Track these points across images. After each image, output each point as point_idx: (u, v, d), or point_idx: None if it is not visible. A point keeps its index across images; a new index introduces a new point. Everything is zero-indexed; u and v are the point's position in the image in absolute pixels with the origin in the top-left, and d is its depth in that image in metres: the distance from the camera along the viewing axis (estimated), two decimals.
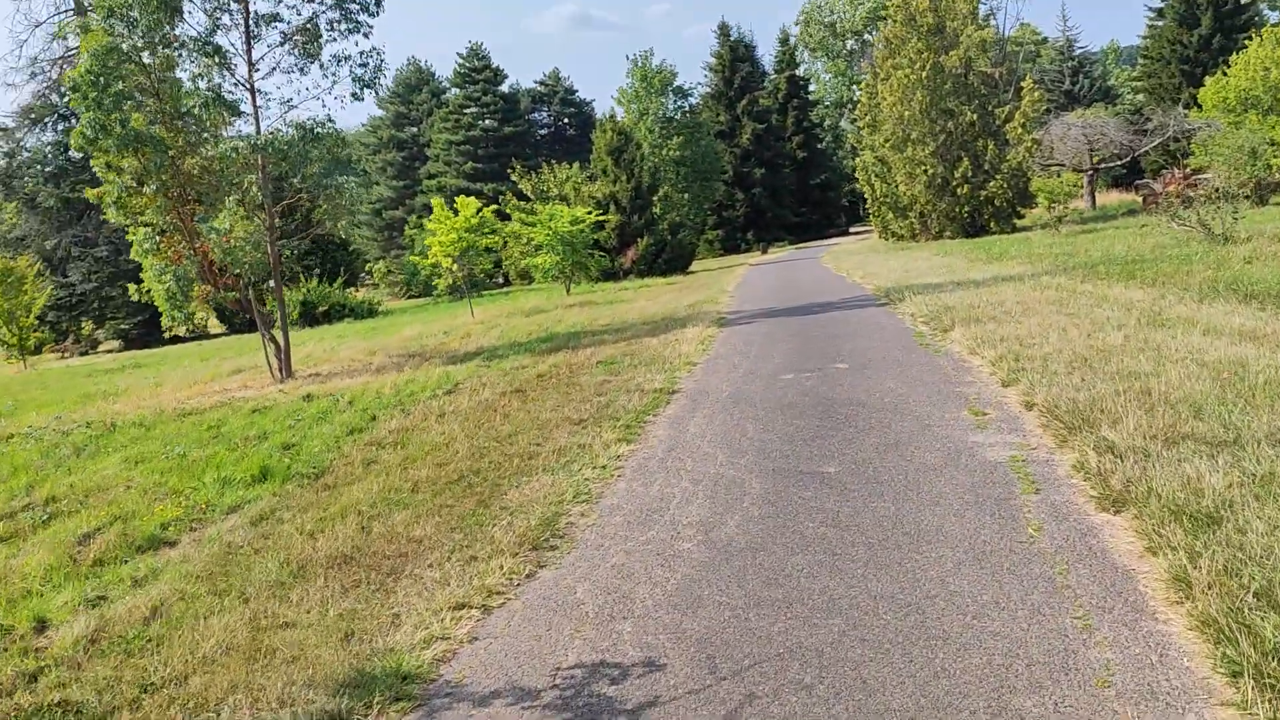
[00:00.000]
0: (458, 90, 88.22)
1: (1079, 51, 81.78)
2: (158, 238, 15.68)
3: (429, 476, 7.81)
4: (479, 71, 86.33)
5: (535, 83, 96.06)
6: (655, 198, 43.44)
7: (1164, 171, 40.02)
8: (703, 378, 10.95)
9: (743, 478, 6.62)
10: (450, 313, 29.74)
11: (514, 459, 8.01)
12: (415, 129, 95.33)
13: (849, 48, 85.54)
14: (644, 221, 40.42)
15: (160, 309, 33.57)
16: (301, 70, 16.56)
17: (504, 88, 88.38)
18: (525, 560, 5.51)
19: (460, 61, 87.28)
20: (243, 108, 15.74)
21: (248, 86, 15.91)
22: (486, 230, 26.74)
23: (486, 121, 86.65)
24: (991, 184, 36.30)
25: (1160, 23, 70.98)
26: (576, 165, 43.83)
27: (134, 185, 14.80)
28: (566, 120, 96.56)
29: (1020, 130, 35.80)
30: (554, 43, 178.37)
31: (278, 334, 16.35)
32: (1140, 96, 77.94)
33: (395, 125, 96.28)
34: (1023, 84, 36.47)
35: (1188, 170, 39.00)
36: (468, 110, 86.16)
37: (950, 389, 8.57)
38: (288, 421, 11.48)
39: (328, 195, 16.48)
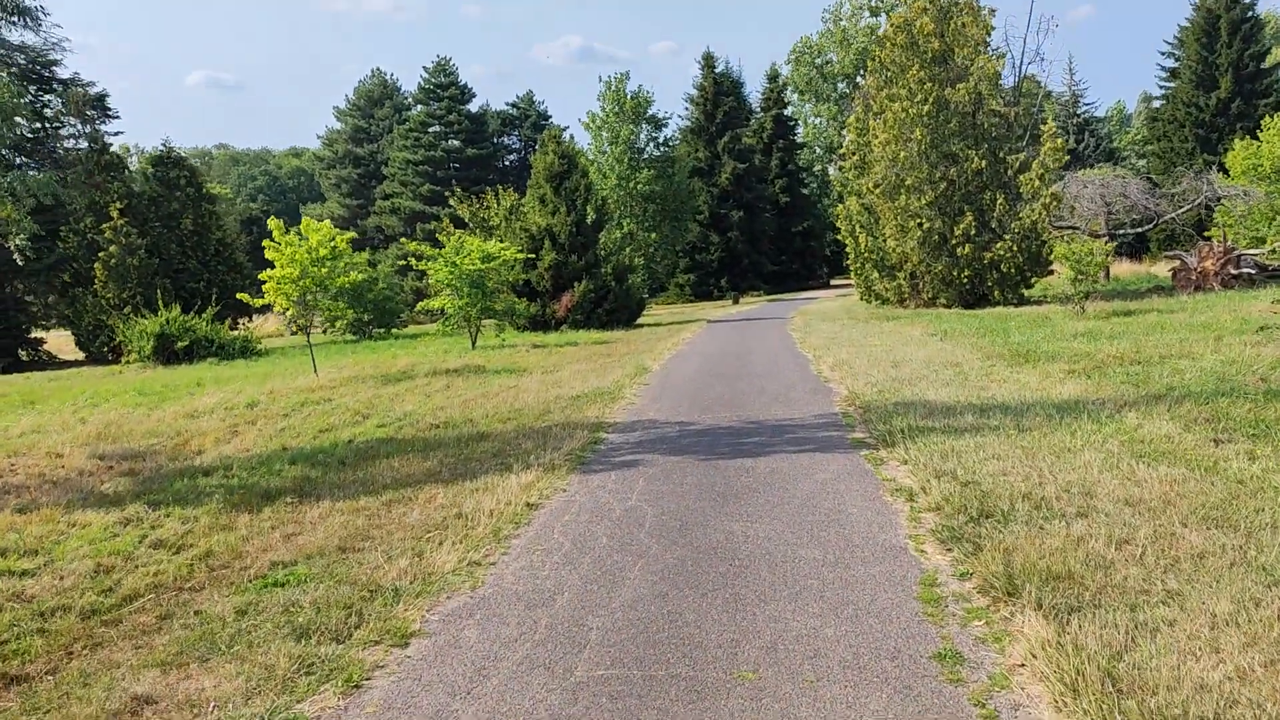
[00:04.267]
0: (421, 107, 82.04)
1: (1084, 109, 76.52)
2: None
3: None
4: (444, 88, 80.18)
5: (506, 104, 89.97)
6: (601, 234, 36.96)
7: (1199, 243, 34.06)
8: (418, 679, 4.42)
9: None
10: (301, 366, 22.98)
11: None
12: (374, 145, 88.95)
13: (839, 91, 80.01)
14: (585, 263, 33.92)
15: None
16: None
17: (471, 107, 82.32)
18: None
19: (425, 77, 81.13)
20: None
21: None
22: (342, 264, 20.11)
23: (450, 142, 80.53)
24: (999, 245, 30.06)
25: (1173, 84, 66.05)
26: (529, 195, 37.38)
27: None
28: (537, 146, 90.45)
29: (1037, 183, 29.61)
30: (556, 73, 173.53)
31: None
32: (1144, 162, 72.96)
33: (353, 140, 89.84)
34: (1042, 128, 30.32)
35: (1228, 243, 33.06)
36: (431, 129, 79.98)
37: None
38: None
39: None
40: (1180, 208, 39.23)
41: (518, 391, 15.62)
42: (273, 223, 19.45)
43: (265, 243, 19.50)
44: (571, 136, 62.02)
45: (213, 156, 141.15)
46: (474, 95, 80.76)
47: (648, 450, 9.93)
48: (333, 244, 19.57)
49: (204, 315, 31.74)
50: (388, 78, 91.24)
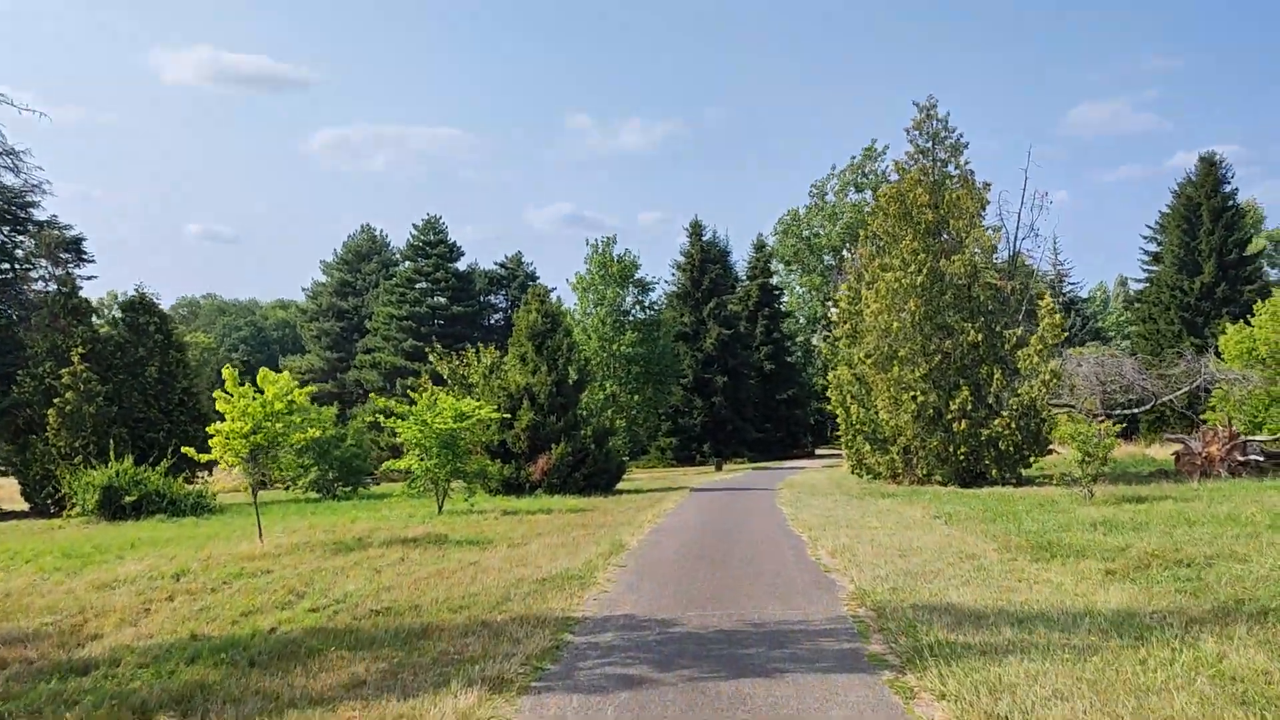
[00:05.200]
0: (409, 263, 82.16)
1: (1069, 289, 77.24)
2: None
3: None
4: (433, 245, 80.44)
5: (495, 264, 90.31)
6: (584, 395, 35.64)
7: (1203, 427, 32.97)
8: None
9: None
10: (252, 528, 21.02)
11: None
12: (359, 299, 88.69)
13: (825, 262, 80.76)
14: (564, 424, 32.42)
15: None
16: None
17: (460, 265, 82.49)
18: None
19: (415, 234, 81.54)
20: None
21: None
22: (299, 420, 18.55)
23: (436, 298, 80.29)
24: (996, 421, 28.82)
25: (1156, 268, 66.85)
26: (510, 353, 36.22)
27: None
28: (521, 303, 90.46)
29: (1036, 359, 28.65)
30: (544, 236, 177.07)
31: None
32: (1128, 343, 73.17)
33: (338, 293, 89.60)
34: (1039, 303, 29.59)
35: (1233, 428, 31.97)
36: (417, 285, 79.83)
37: None
38: None
39: None
40: (1176, 389, 38.44)
41: (477, 570, 13.83)
42: (226, 371, 17.98)
43: (216, 393, 17.99)
44: (559, 298, 61.91)
45: (199, 305, 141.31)
46: (462, 253, 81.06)
47: (620, 662, 8.16)
48: (290, 398, 18.05)
49: (157, 468, 29.88)
50: (377, 233, 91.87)
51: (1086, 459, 22.97)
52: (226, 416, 17.91)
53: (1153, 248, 69.70)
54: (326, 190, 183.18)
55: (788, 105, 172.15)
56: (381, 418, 26.61)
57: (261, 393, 18.06)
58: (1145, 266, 71.16)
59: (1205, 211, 60.02)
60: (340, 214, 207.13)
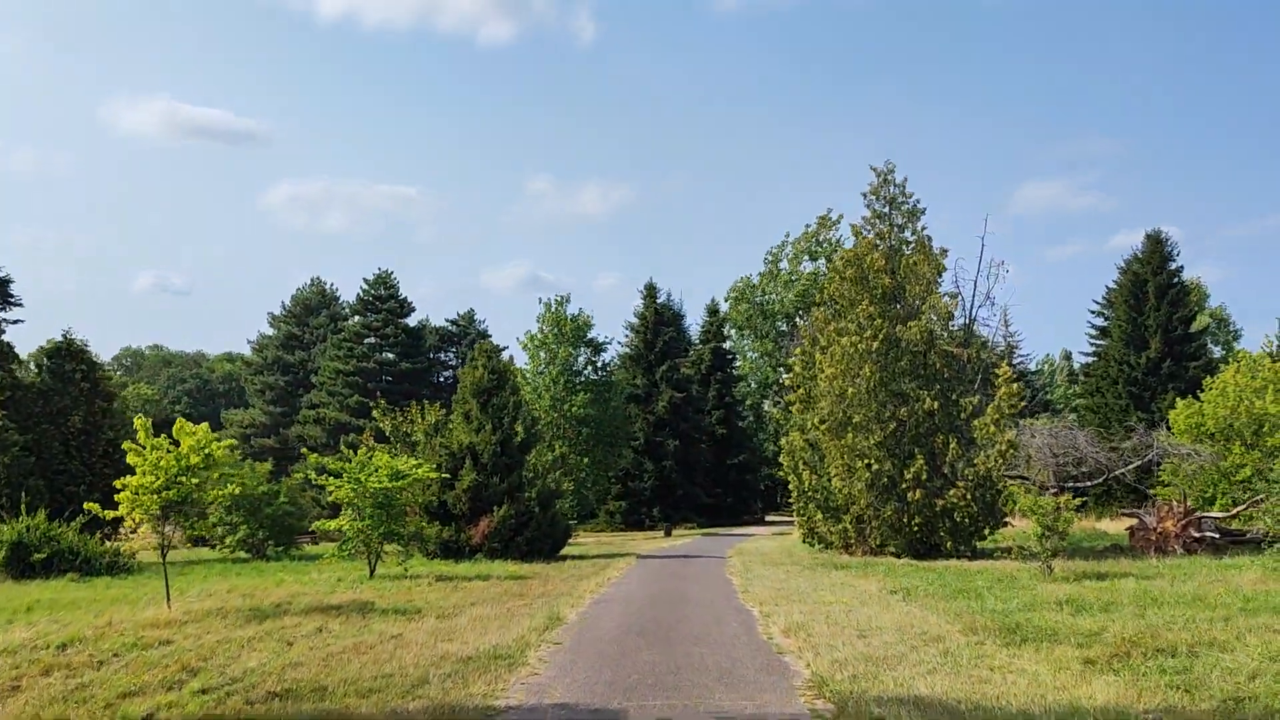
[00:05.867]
0: (358, 317, 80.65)
1: (1019, 360, 77.67)
2: None
3: None
4: (384, 300, 79.07)
5: (446, 320, 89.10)
6: (531, 456, 34.41)
7: (1157, 502, 32.54)
8: None
9: None
10: (162, 591, 19.49)
11: None
12: (306, 353, 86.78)
13: (778, 329, 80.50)
14: (508, 485, 31.14)
15: None
16: None
17: (410, 321, 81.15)
18: None
19: (365, 288, 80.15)
20: None
21: None
22: (217, 475, 17.23)
23: (384, 354, 78.74)
24: (952, 492, 28.09)
25: (1104, 342, 67.45)
26: (455, 410, 34.92)
27: None
28: (468, 359, 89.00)
29: (992, 429, 28.07)
30: (500, 297, 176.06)
31: None
32: (1074, 416, 73.55)
33: (284, 347, 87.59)
34: (997, 370, 29.12)
35: (1187, 504, 31.57)
36: (366, 340, 78.25)
37: None
38: None
39: None
40: (1128, 463, 38.14)
41: (398, 645, 12.59)
42: (138, 421, 16.68)
43: (125, 445, 16.65)
44: (511, 358, 60.78)
45: (144, 356, 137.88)
46: (413, 309, 79.69)
47: None
48: (206, 451, 16.75)
49: (72, 524, 28.12)
50: (326, 287, 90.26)
51: (1046, 534, 22.23)
52: (137, 470, 16.56)
53: (1100, 322, 70.45)
54: (282, 245, 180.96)
55: (746, 172, 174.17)
56: (312, 474, 25.23)
57: (177, 445, 16.75)
58: (1093, 340, 71.90)
59: (1151, 288, 60.68)
60: (295, 269, 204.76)
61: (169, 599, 17.10)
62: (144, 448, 16.55)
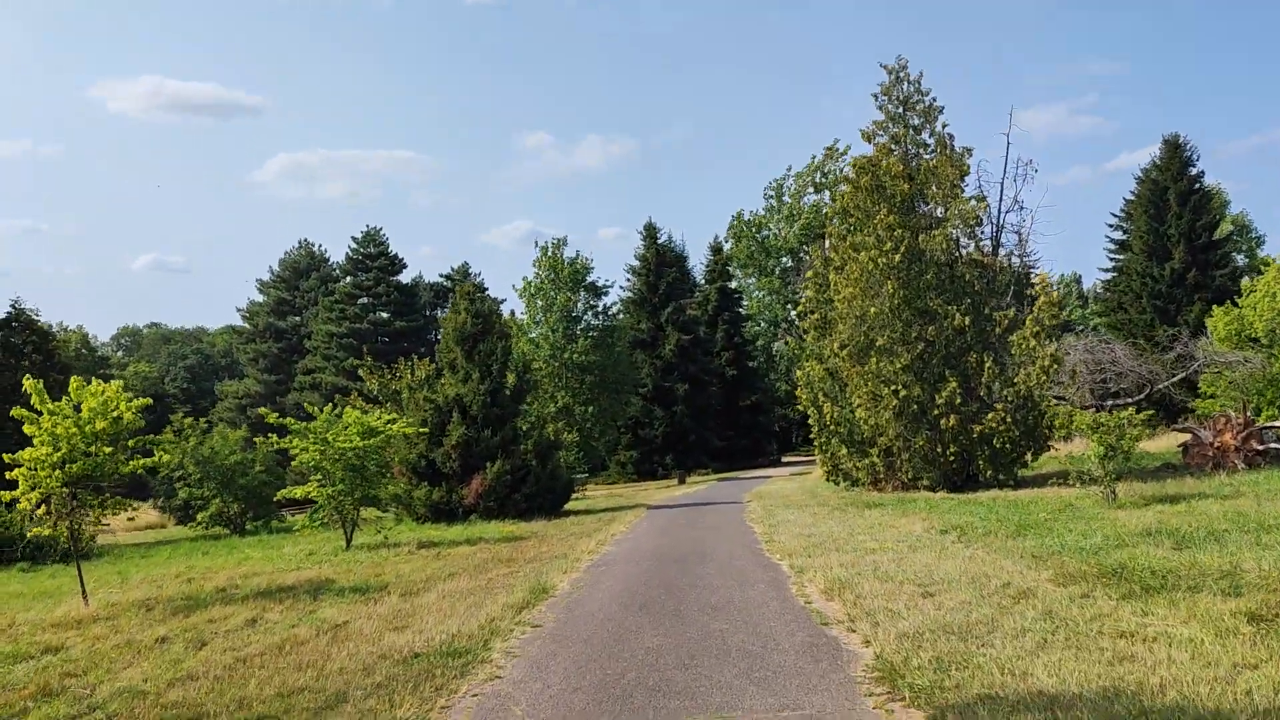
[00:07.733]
0: (349, 278, 77.67)
1: (1035, 277, 74.36)
2: None
3: None
4: (374, 259, 76.09)
5: (441, 276, 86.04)
6: (530, 406, 31.61)
7: (1214, 415, 29.64)
8: None
9: None
10: (107, 579, 16.90)
11: None
12: (298, 318, 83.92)
13: (783, 264, 77.29)
14: (500, 439, 28.36)
15: None
16: None
17: (403, 278, 78.23)
18: None
19: (354, 246, 77.13)
20: None
21: None
22: (127, 440, 14.42)
23: (378, 314, 75.95)
24: (990, 416, 25.22)
25: (1123, 256, 64.10)
26: (441, 360, 32.10)
27: None
28: (449, 304, 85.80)
29: (1033, 343, 25.13)
30: (500, 253, 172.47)
31: None
32: (1093, 335, 70.48)
33: (276, 313, 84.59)
34: (1034, 278, 26.10)
35: (1247, 415, 28.68)
36: (359, 300, 75.42)
37: None
38: None
39: None
40: (1173, 375, 35.26)
41: (335, 640, 9.83)
42: (29, 383, 13.81)
43: (16, 411, 13.83)
44: (513, 312, 57.82)
45: (142, 335, 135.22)
46: (405, 266, 76.75)
47: None
48: (116, 414, 13.92)
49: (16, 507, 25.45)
50: (316, 249, 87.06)
51: (1109, 453, 19.38)
52: (35, 441, 13.76)
53: (1119, 235, 67.00)
54: (280, 216, 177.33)
55: (749, 117, 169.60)
56: (273, 437, 22.49)
57: (78, 410, 13.93)
58: (1112, 255, 68.46)
59: (1173, 195, 57.36)
60: (292, 239, 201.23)
61: (85, 594, 14.35)
62: (39, 414, 13.74)
